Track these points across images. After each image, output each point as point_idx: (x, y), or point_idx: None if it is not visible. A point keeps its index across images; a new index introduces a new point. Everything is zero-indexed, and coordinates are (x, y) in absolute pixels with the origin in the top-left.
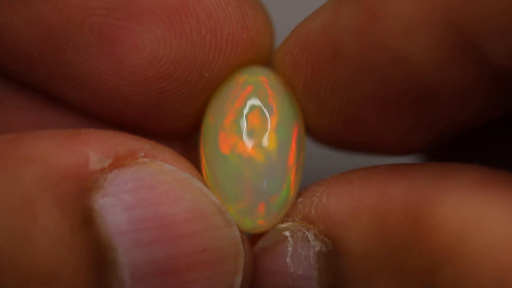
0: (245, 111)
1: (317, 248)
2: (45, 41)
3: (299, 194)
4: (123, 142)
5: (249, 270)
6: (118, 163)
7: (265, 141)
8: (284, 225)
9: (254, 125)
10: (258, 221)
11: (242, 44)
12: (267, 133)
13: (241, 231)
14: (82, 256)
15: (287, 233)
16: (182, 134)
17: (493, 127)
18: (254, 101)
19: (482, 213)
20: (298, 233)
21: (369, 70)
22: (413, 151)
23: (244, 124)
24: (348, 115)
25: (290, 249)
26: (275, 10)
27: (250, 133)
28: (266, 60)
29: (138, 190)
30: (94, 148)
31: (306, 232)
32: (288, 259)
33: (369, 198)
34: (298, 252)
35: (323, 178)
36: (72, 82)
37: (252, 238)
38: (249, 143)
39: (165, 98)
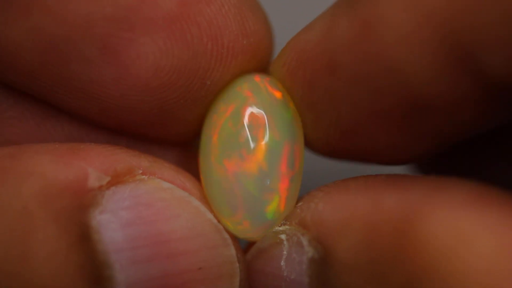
0: (235, 122)
1: (310, 255)
2: (47, 52)
3: (300, 198)
4: (121, 159)
5: None
6: (116, 180)
7: (256, 152)
8: (281, 228)
9: (244, 136)
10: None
11: (243, 51)
12: (258, 144)
13: (238, 249)
14: (79, 271)
15: (283, 236)
16: (184, 140)
17: (491, 136)
18: (246, 111)
19: (471, 232)
20: (294, 237)
21: (364, 82)
22: (409, 160)
23: (234, 137)
24: (345, 127)
25: (285, 252)
26: (274, 14)
27: (241, 145)
28: (266, 66)
29: (135, 208)
30: (93, 164)
31: (301, 237)
32: (282, 263)
33: (363, 207)
34: (293, 257)
35: (327, 183)
36: (75, 92)
37: (248, 245)
38: (239, 156)
39: (168, 106)
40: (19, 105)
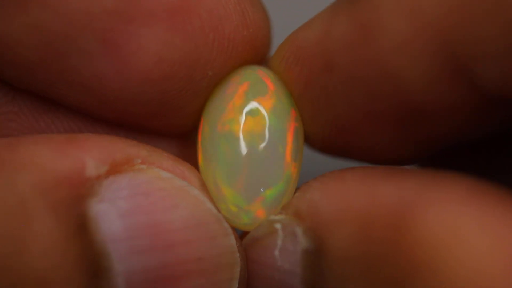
0: (243, 104)
1: (304, 245)
2: (46, 47)
3: (297, 188)
4: (120, 148)
5: (245, 279)
6: (114, 169)
7: (262, 134)
8: (276, 217)
9: (251, 118)
10: (256, 213)
11: (243, 42)
12: (264, 126)
13: (237, 239)
14: (77, 262)
15: (278, 226)
16: (184, 131)
17: (488, 142)
18: (252, 95)
19: (465, 229)
20: (289, 227)
21: (360, 83)
22: (404, 162)
23: (242, 118)
24: (340, 126)
25: (279, 242)
26: (273, 7)
27: (248, 126)
28: (264, 58)
29: (134, 197)
30: (91, 154)
31: (296, 227)
32: (276, 252)
33: (358, 200)
34: (287, 247)
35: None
36: (75, 86)
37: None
38: (246, 136)
39: (169, 97)
40: (17, 100)
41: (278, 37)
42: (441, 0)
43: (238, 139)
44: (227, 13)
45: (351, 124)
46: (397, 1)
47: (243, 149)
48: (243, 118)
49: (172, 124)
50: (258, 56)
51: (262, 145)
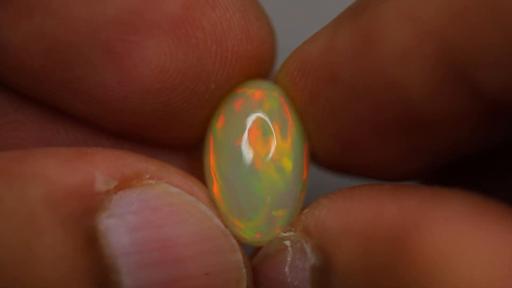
0: (262, 129)
1: (312, 262)
2: (51, 56)
3: (307, 205)
4: (129, 163)
5: None
6: (123, 184)
7: (282, 160)
8: (285, 234)
9: (270, 143)
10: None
11: (247, 55)
12: (283, 152)
13: (244, 255)
14: (85, 275)
15: (287, 243)
16: (188, 144)
17: (493, 154)
18: (271, 119)
19: (466, 244)
20: (298, 244)
21: (363, 94)
22: (410, 176)
23: (260, 142)
24: (345, 139)
25: (289, 259)
26: (279, 22)
27: (267, 151)
28: (269, 72)
29: (143, 212)
30: (100, 168)
31: (305, 244)
32: (286, 269)
33: (363, 215)
34: (296, 263)
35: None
36: (79, 95)
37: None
38: (265, 161)
39: (172, 109)
40: (23, 109)
41: (285, 52)
42: (442, 9)
43: (257, 163)
44: (231, 26)
45: (355, 137)
46: (399, 11)
47: (264, 174)
48: (261, 142)
49: (176, 137)
50: (262, 70)
51: (285, 170)
